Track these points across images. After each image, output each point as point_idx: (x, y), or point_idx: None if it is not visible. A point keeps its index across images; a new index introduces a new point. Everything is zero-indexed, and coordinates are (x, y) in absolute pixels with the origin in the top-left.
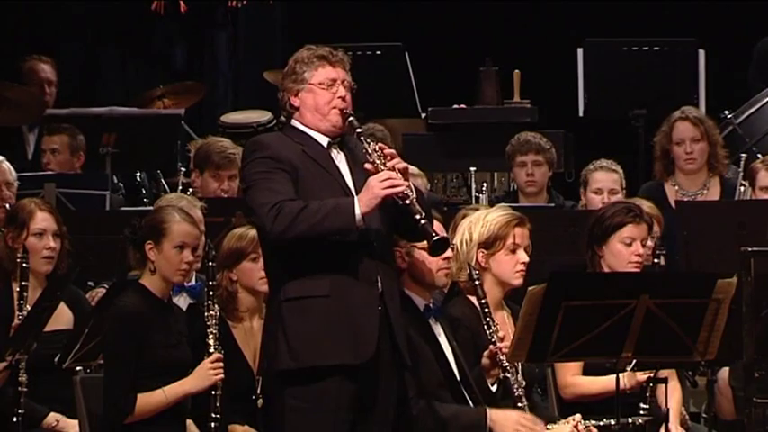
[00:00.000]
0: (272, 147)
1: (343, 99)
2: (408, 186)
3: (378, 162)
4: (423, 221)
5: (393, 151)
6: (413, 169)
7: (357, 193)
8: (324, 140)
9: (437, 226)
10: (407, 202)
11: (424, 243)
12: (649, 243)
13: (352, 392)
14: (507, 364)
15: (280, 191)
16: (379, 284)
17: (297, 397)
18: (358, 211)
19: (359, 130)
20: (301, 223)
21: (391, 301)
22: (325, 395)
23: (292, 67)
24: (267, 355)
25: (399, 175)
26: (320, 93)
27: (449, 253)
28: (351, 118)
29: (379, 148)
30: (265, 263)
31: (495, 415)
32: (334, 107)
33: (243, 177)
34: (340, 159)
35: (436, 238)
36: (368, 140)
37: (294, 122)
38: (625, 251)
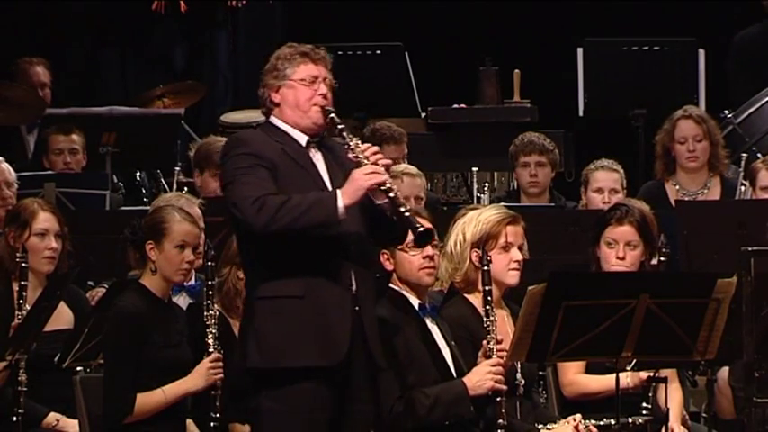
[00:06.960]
0: (253, 143)
1: (324, 96)
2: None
3: (361, 156)
4: (407, 213)
5: (377, 148)
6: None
7: None
8: (303, 139)
9: (421, 219)
10: (392, 195)
11: (405, 244)
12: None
13: (326, 395)
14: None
15: (262, 186)
16: (354, 287)
17: (272, 398)
18: (341, 203)
19: (340, 126)
20: (284, 217)
21: (365, 305)
22: (300, 397)
23: (274, 64)
24: (240, 352)
25: (383, 169)
26: (301, 89)
27: (429, 251)
28: (332, 114)
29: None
30: (242, 260)
31: (469, 381)
32: (315, 104)
33: (223, 173)
34: (318, 158)
35: (421, 228)
36: (350, 135)
37: (274, 119)
38: (608, 253)
